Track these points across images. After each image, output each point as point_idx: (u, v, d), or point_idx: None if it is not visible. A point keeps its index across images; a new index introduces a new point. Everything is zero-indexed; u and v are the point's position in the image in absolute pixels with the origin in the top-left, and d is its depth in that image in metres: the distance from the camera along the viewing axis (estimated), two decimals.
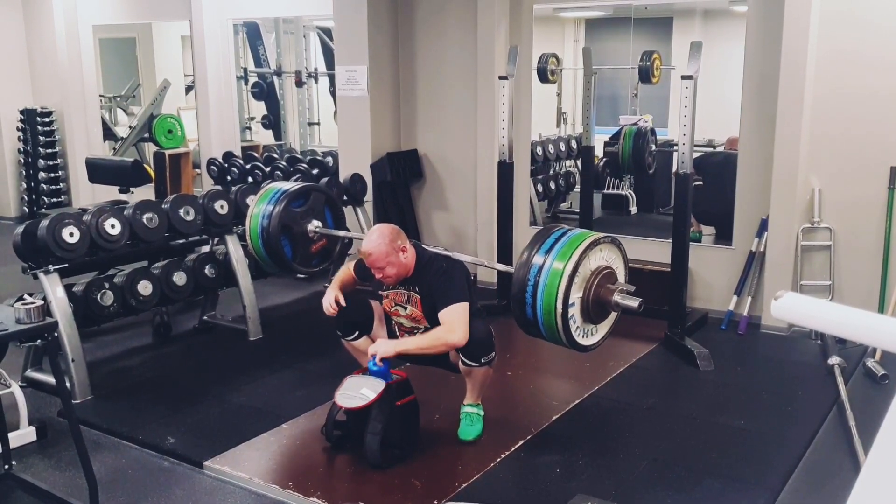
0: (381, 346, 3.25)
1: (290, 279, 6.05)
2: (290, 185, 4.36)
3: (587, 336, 3.28)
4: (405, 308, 3.43)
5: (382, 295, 3.50)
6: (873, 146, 4.51)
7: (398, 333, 3.53)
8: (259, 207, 4.24)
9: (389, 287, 3.45)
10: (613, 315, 3.37)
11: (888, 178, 4.48)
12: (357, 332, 3.53)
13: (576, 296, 3.14)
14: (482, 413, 3.52)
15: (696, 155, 4.70)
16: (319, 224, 4.37)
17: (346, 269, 3.67)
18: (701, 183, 5.23)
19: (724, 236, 5.19)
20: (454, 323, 3.21)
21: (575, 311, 3.15)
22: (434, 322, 3.30)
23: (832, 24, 4.50)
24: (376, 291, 3.54)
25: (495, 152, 5.35)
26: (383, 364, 3.23)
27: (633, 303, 3.19)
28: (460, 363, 3.35)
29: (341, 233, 4.48)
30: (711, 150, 5.92)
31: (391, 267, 3.29)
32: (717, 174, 5.37)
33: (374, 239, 3.30)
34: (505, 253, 5.28)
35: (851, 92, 4.53)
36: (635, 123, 6.37)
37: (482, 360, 3.31)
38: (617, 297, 3.20)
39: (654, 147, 6.37)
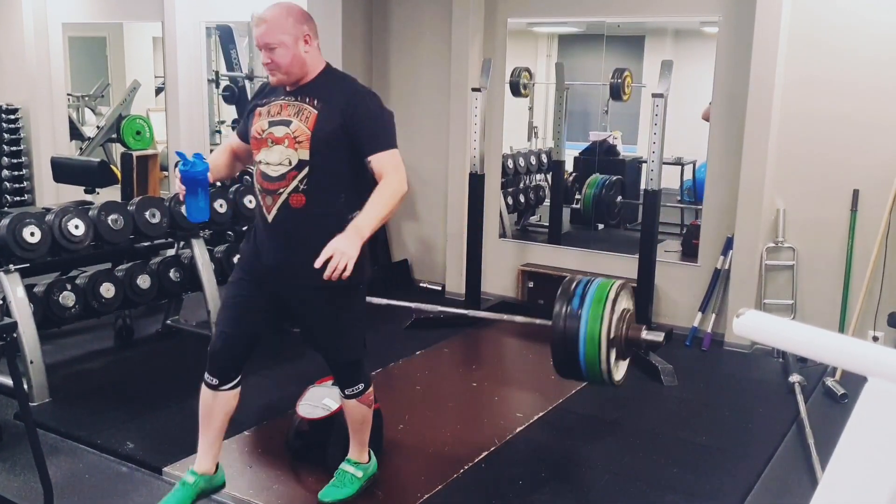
0: (344, 243, 2.47)
1: None
2: None
3: (618, 373, 3.53)
4: (287, 125, 2.65)
5: (260, 109, 2.72)
6: (837, 169, 4.60)
7: (258, 189, 2.72)
8: None
9: (274, 97, 2.71)
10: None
11: (850, 201, 4.57)
12: (236, 379, 2.88)
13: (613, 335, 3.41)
14: (361, 475, 3.02)
15: None
16: None
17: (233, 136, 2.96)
18: None
19: None
20: (395, 166, 2.69)
21: (612, 350, 3.40)
22: (320, 150, 2.63)
23: (800, 48, 4.59)
24: (253, 109, 2.76)
25: (466, 164, 5.37)
26: (195, 158, 2.66)
27: (659, 337, 3.48)
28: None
29: None
30: None
31: (284, 50, 2.58)
32: None
33: (274, 6, 2.62)
34: (474, 265, 5.29)
35: (817, 115, 4.61)
36: (604, 140, 6.41)
37: (346, 392, 2.89)
38: (644, 335, 3.46)
39: (620, 199, 6.26)
